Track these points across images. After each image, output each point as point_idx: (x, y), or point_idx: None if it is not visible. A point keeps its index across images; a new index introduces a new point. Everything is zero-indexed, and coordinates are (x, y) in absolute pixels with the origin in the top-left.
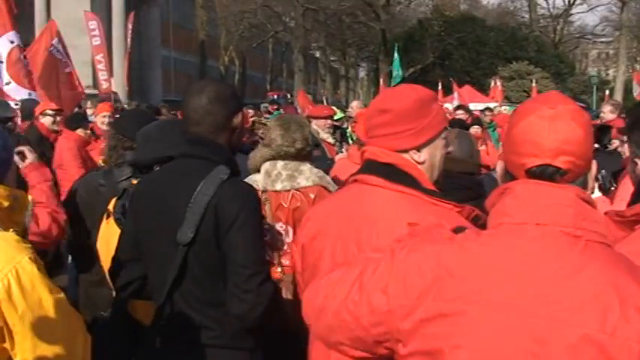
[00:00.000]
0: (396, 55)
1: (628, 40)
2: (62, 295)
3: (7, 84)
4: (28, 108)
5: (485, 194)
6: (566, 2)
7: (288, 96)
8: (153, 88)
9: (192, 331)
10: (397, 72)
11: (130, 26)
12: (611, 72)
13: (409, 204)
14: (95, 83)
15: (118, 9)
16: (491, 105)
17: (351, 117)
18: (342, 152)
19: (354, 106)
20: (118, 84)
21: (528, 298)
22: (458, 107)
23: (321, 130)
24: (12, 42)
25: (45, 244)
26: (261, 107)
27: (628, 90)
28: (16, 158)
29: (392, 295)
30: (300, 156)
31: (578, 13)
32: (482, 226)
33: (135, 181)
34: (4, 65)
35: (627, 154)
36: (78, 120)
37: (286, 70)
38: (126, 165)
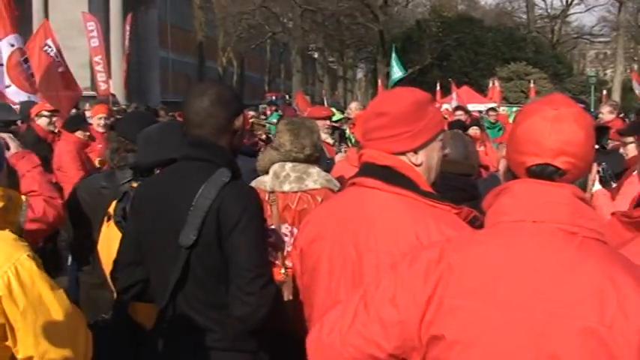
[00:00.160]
0: (394, 55)
1: (625, 41)
2: (62, 291)
3: (8, 87)
4: (26, 110)
5: (479, 196)
6: (564, 3)
7: (287, 97)
8: (151, 90)
9: (195, 334)
10: (398, 69)
11: (128, 28)
12: (608, 72)
13: (407, 206)
14: (93, 85)
15: (116, 10)
16: (491, 106)
17: (349, 118)
18: (341, 152)
19: (353, 107)
20: (116, 86)
21: (527, 294)
22: (457, 108)
23: (320, 130)
24: (12, 45)
25: (44, 230)
26: (259, 108)
27: (626, 90)
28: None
29: (402, 306)
30: (309, 161)
31: (575, 13)
32: (480, 228)
33: (135, 184)
34: (4, 68)
35: (630, 155)
36: (77, 122)
37: (284, 71)
38: (128, 167)
